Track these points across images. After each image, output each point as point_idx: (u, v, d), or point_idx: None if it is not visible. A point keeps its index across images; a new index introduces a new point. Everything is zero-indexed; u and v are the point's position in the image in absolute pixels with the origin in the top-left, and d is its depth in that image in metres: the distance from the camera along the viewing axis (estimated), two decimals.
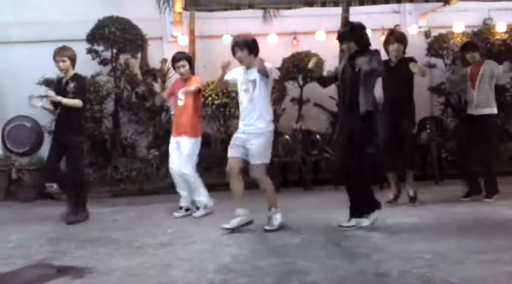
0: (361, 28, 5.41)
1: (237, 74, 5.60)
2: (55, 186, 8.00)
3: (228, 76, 5.66)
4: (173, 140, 6.37)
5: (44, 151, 8.38)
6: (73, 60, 6.28)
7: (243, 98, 5.47)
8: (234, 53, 5.49)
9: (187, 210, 6.32)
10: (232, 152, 5.43)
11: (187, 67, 6.32)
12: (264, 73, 5.27)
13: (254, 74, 5.39)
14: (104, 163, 8.46)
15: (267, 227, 5.39)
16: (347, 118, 5.39)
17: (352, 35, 5.33)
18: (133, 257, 4.74)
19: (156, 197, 7.62)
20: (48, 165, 6.38)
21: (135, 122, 8.83)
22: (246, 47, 5.41)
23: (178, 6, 7.91)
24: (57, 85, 6.42)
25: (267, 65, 5.34)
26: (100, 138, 8.54)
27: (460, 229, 5.25)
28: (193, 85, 6.21)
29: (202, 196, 6.28)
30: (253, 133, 5.36)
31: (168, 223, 5.98)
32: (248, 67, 5.47)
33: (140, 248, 5.00)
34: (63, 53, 6.20)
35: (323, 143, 8.24)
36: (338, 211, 5.79)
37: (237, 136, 5.47)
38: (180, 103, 6.29)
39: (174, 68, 6.47)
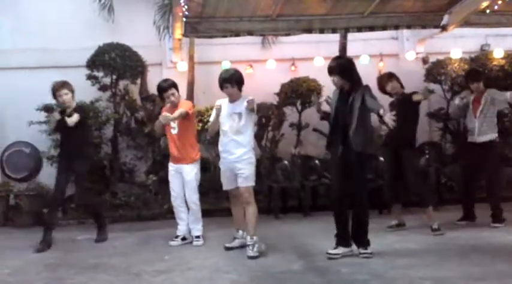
0: (350, 64, 5.48)
1: (222, 108, 5.74)
2: None
3: (217, 116, 5.78)
4: (173, 167, 6.27)
5: (42, 176, 8.41)
6: (73, 92, 6.41)
7: (227, 129, 5.65)
8: (223, 87, 5.68)
9: (183, 239, 6.21)
10: (229, 184, 5.75)
11: (177, 94, 6.23)
12: (252, 111, 5.59)
13: (240, 107, 5.62)
14: (103, 189, 8.43)
15: (252, 254, 5.38)
16: (343, 146, 5.29)
17: (337, 69, 5.37)
18: None
19: (154, 223, 7.58)
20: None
21: (133, 147, 8.84)
22: (236, 84, 5.67)
23: (178, 32, 7.98)
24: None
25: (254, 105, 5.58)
26: (99, 163, 8.53)
27: (461, 255, 5.22)
28: (177, 111, 6.01)
29: (201, 224, 6.23)
30: (240, 162, 5.61)
31: (166, 250, 5.93)
32: (234, 100, 5.69)
33: (138, 275, 4.96)
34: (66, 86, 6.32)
35: (322, 168, 8.23)
36: None
37: (227, 168, 5.70)
38: (173, 131, 6.16)
39: (162, 98, 6.28)
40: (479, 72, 7.17)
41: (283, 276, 4.76)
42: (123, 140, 8.91)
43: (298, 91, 8.84)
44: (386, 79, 6.50)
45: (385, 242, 5.82)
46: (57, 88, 6.29)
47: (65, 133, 6.37)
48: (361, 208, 5.32)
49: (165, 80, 6.35)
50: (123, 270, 5.16)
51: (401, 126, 6.15)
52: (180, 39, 8.39)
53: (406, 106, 6.24)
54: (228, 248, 5.71)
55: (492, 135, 6.61)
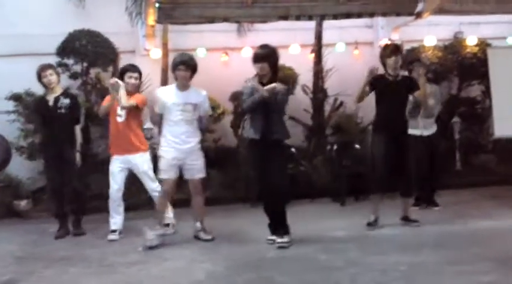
0: (277, 53, 5.45)
1: (166, 96, 5.59)
2: (23, 203, 7.83)
3: (159, 107, 5.64)
4: (118, 159, 6.03)
5: (12, 167, 8.20)
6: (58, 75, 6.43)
7: (178, 118, 5.53)
8: (177, 69, 5.55)
9: (121, 233, 6.08)
10: (172, 173, 5.60)
11: (138, 81, 6.12)
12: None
13: (195, 97, 5.59)
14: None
15: (207, 237, 5.67)
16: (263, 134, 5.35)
17: (269, 56, 5.36)
18: (104, 276, 4.63)
19: (128, 214, 7.36)
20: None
21: (106, 137, 8.63)
22: (191, 68, 5.57)
23: (151, 19, 7.81)
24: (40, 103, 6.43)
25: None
26: None
27: (435, 241, 5.25)
28: (132, 100, 5.86)
29: (171, 212, 6.11)
30: (193, 153, 5.61)
31: (139, 241, 5.80)
32: (184, 88, 5.58)
33: (111, 267, 4.87)
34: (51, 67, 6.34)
35: (299, 156, 8.19)
36: (314, 224, 5.74)
37: (175, 157, 5.54)
38: (119, 119, 5.96)
39: (123, 79, 6.01)
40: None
41: (260, 264, 4.72)
42: (95, 130, 8.72)
43: None
44: (392, 51, 5.86)
45: (362, 228, 5.82)
46: (43, 68, 6.24)
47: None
48: (284, 198, 5.41)
49: (133, 65, 6.24)
50: (96, 262, 5.06)
51: (397, 107, 5.89)
52: (153, 26, 8.21)
53: (402, 89, 5.87)
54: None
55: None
